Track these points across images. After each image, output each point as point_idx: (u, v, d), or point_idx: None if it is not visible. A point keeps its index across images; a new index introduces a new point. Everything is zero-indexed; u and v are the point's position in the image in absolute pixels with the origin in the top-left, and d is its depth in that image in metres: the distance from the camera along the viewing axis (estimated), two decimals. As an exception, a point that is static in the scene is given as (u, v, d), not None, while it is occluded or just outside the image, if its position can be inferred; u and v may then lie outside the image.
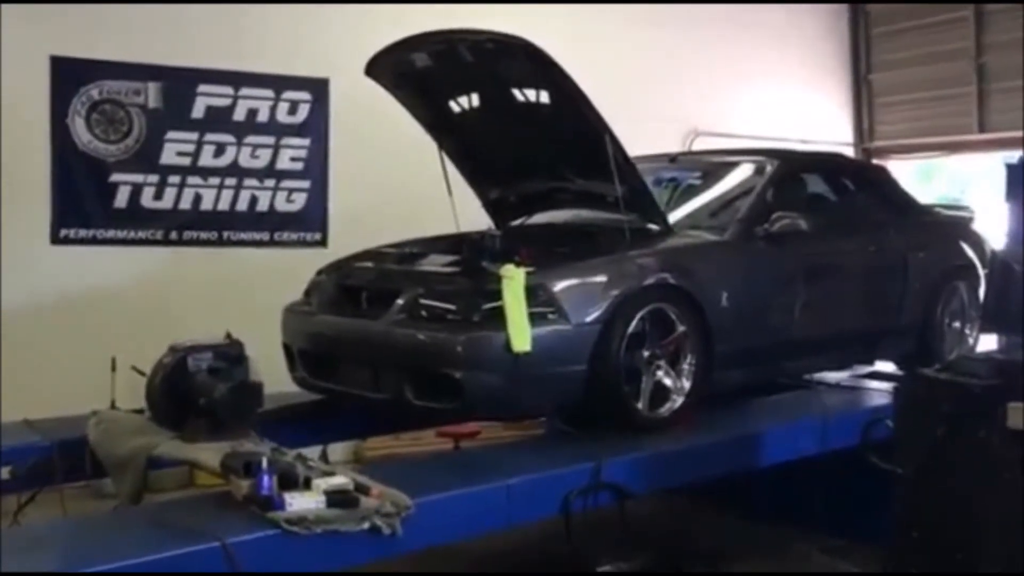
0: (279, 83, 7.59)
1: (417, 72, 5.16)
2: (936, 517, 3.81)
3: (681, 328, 4.77)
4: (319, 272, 5.29)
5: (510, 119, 5.21)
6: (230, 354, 4.19)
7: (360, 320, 4.69)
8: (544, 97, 4.92)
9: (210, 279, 7.43)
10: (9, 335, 6.70)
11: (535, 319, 4.31)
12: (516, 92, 5.02)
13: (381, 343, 4.51)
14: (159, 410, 4.06)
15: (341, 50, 7.30)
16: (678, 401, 4.77)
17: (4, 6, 6.72)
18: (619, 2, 9.03)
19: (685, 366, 4.80)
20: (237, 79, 7.46)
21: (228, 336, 4.30)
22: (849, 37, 10.78)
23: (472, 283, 4.50)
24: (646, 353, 4.67)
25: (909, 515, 3.93)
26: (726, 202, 5.59)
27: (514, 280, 4.33)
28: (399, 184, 7.81)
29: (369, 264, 5.10)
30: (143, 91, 7.20)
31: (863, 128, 10.75)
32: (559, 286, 4.44)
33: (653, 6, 9.28)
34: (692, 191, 5.73)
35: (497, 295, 4.30)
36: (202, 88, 7.36)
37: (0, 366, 6.48)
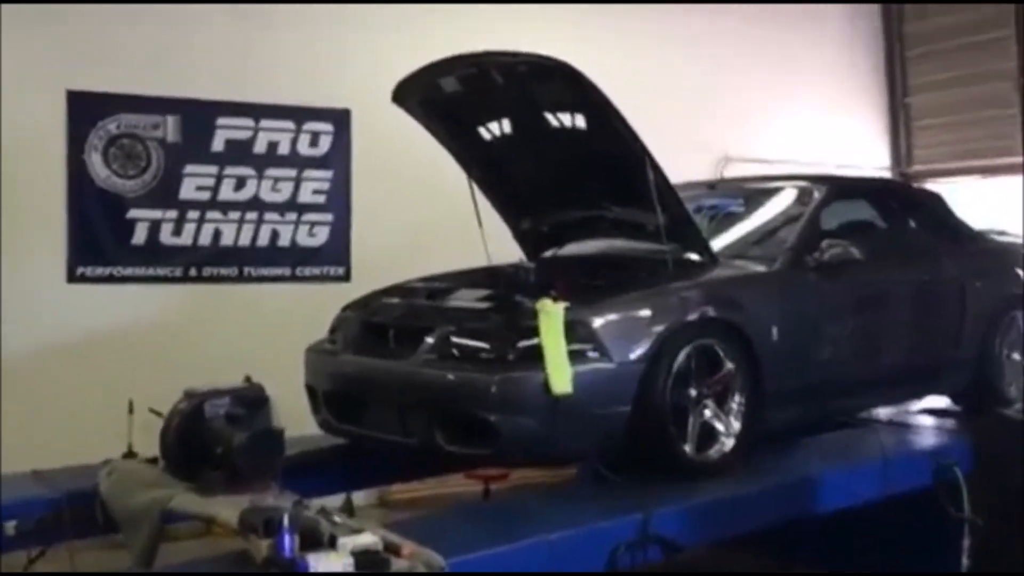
0: (300, 114, 7.41)
1: (446, 98, 4.92)
2: (1015, 570, 3.46)
3: (729, 365, 4.47)
4: (344, 309, 5.03)
5: (543, 145, 4.97)
6: (250, 399, 3.91)
7: (387, 360, 4.41)
8: (580, 121, 4.67)
9: (231, 316, 7.23)
10: (22, 377, 6.49)
11: (574, 357, 4.03)
12: (550, 116, 4.79)
13: (409, 384, 4.23)
14: (173, 461, 3.79)
15: (363, 79, 7.15)
16: (727, 443, 4.46)
17: (18, 42, 6.56)
18: (639, 1, 8.71)
19: (734, 405, 4.50)
20: (257, 111, 7.28)
21: (248, 380, 4.03)
22: (885, 59, 10.47)
23: (506, 319, 4.22)
24: (693, 392, 4.37)
25: (982, 567, 3.58)
26: (772, 230, 5.29)
27: (551, 316, 4.06)
28: (425, 216, 7.61)
29: (396, 300, 4.83)
30: (161, 125, 7.03)
31: (900, 152, 10.41)
32: (599, 321, 4.16)
33: (682, 26, 9.03)
34: (734, 219, 5.43)
35: (533, 332, 4.02)
36: (221, 121, 7.19)
37: (2, 411, 6.24)
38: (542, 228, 5.52)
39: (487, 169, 5.34)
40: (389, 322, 4.58)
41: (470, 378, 4.06)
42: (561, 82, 4.48)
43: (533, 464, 4.41)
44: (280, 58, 7.36)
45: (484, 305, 4.48)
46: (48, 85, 6.67)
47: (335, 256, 7.55)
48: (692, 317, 4.38)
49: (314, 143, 7.50)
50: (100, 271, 6.88)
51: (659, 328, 4.25)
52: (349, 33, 7.63)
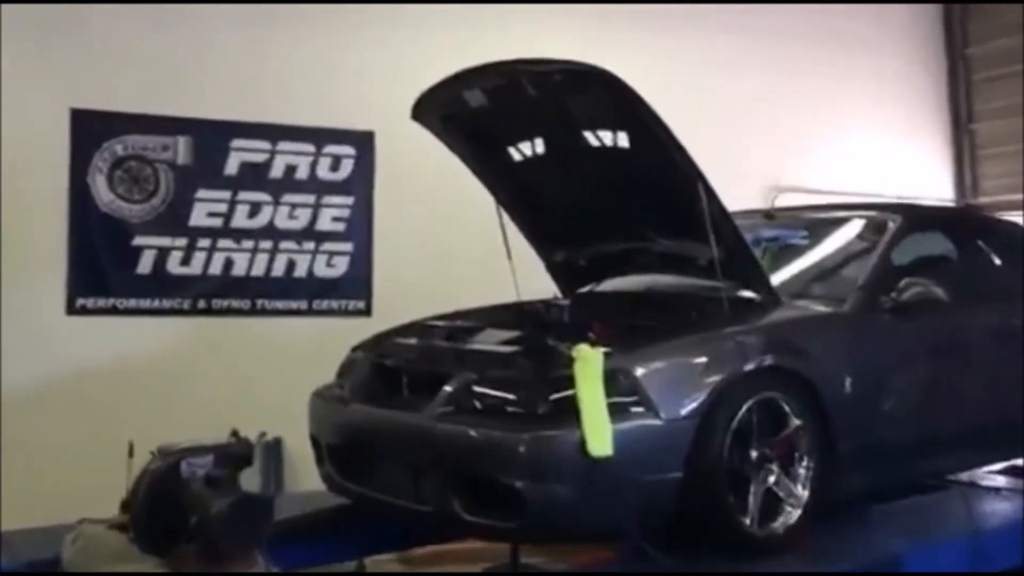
0: (320, 136, 7.01)
1: (471, 113, 4.37)
2: None
3: (796, 422, 3.83)
4: (354, 349, 4.47)
5: (581, 167, 4.40)
6: (235, 457, 3.34)
7: (399, 411, 3.83)
8: (623, 139, 4.10)
9: (242, 353, 6.83)
10: (16, 417, 6.10)
11: (616, 413, 3.43)
12: (588, 134, 4.22)
13: (423, 441, 3.64)
14: (141, 531, 3.22)
15: (387, 99, 6.57)
16: (794, 513, 3.81)
17: (20, 56, 6.23)
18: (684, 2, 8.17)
19: (801, 469, 3.85)
20: (274, 132, 6.90)
21: (235, 434, 3.46)
22: (948, 81, 9.80)
23: (536, 366, 3.62)
24: (754, 454, 3.73)
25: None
26: (839, 266, 4.66)
27: (589, 362, 3.47)
28: (453, 246, 7.18)
29: (412, 341, 4.25)
30: (171, 146, 6.67)
31: (965, 182, 9.70)
32: (645, 370, 3.55)
33: (726, 45, 8.46)
34: (796, 253, 4.79)
35: (568, 382, 3.44)
36: (236, 143, 6.82)
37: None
38: (578, 261, 4.93)
39: (517, 194, 4.78)
40: (402, 366, 4.01)
41: (493, 436, 3.47)
42: (601, 93, 3.93)
43: (566, 540, 3.78)
44: (299, 76, 6.98)
45: (511, 349, 3.87)
46: (51, 103, 6.34)
47: (355, 289, 7.15)
48: (752, 366, 3.76)
49: (335, 167, 7.09)
50: (102, 302, 6.51)
51: (715, 379, 3.64)
52: (372, 49, 7.20)
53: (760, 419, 3.74)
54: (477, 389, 3.67)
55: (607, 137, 4.19)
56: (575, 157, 4.37)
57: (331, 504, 4.28)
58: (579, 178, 4.51)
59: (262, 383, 6.57)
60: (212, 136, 6.70)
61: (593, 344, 3.53)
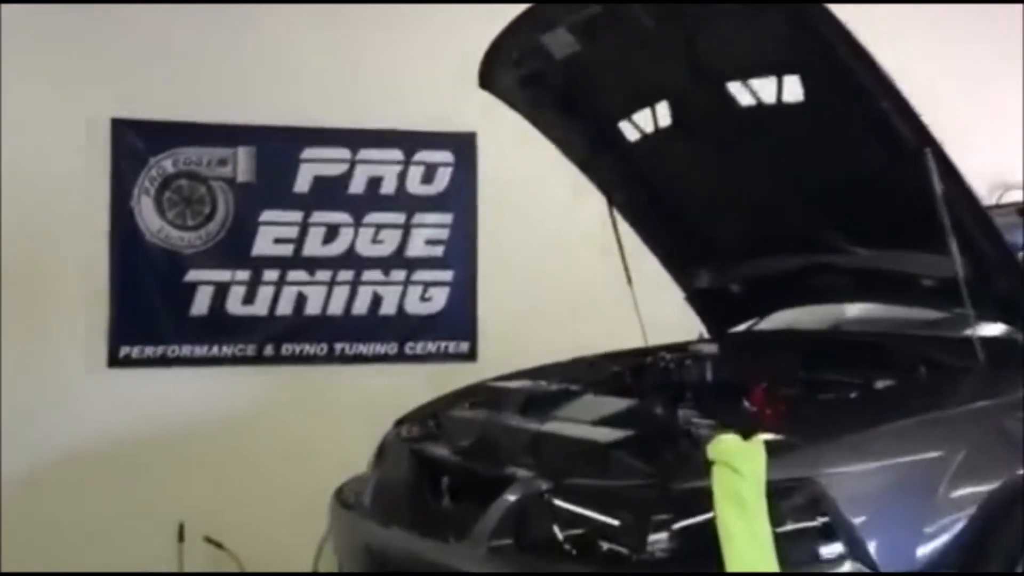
0: (410, 141, 5.80)
1: (560, 67, 2.96)
2: None
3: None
4: (397, 423, 3.14)
5: (732, 143, 2.89)
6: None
7: (431, 538, 2.40)
8: (803, 97, 2.58)
9: (317, 409, 5.67)
10: (48, 488, 5.20)
11: (793, 556, 1.90)
12: (741, 88, 2.71)
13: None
14: None
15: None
16: None
17: (50, 58, 5.40)
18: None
19: None
20: (354, 138, 5.73)
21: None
22: None
23: (647, 469, 2.12)
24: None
25: None
26: None
27: (740, 466, 1.97)
28: (581, 272, 5.79)
29: (470, 415, 2.82)
30: (230, 160, 5.62)
31: None
32: (848, 487, 2.00)
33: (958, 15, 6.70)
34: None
35: (703, 499, 1.99)
36: (308, 152, 5.68)
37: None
38: (730, 285, 3.40)
39: (637, 189, 3.33)
40: (445, 460, 2.58)
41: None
42: (774, 22, 2.45)
43: None
44: (383, 69, 5.74)
45: (608, 436, 2.36)
46: (87, 113, 5.37)
47: (457, 327, 5.90)
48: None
49: (428, 178, 5.85)
50: (150, 351, 5.50)
51: (977, 492, 2.04)
52: (473, 33, 5.87)
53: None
54: (555, 503, 2.20)
55: (769, 91, 2.68)
56: (722, 128, 2.92)
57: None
58: (728, 160, 3.02)
59: (341, 447, 5.33)
60: (278, 146, 5.62)
61: (746, 434, 2.01)
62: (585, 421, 2.51)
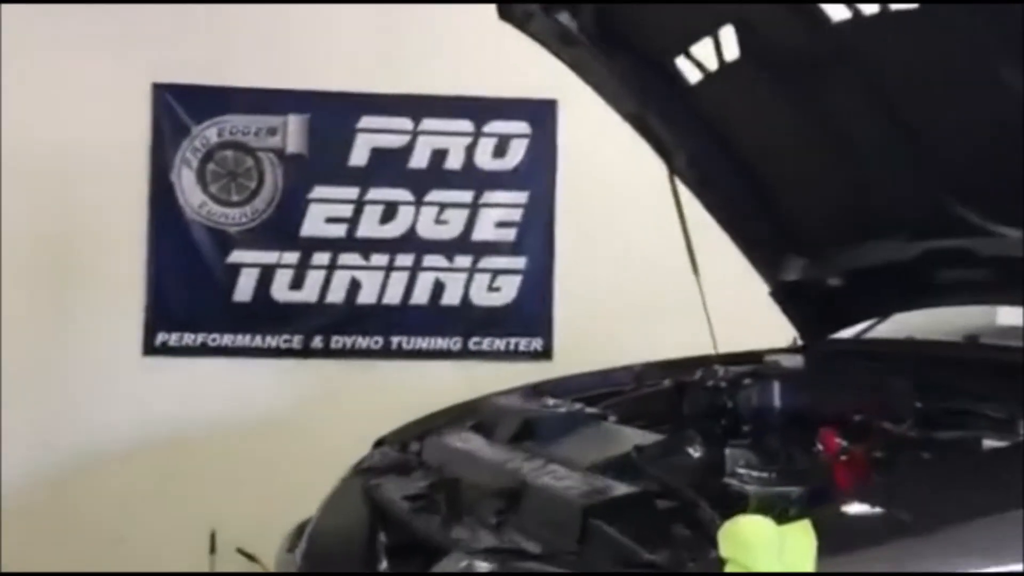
0: (480, 109, 5.32)
1: None
2: None
3: None
4: (377, 443, 2.55)
5: (824, 81, 2.12)
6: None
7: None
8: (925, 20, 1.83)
9: (369, 409, 5.10)
10: (70, 488, 4.96)
11: None
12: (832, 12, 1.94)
13: None
14: None
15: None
16: None
17: (87, 20, 5.19)
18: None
19: None
20: (417, 106, 5.28)
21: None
22: None
23: (631, 555, 1.38)
24: None
25: None
26: None
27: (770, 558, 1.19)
28: (673, 262, 5.08)
29: (448, 444, 2.14)
30: (280, 129, 5.28)
31: None
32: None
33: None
34: None
35: None
36: (365, 121, 5.25)
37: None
38: (828, 278, 2.58)
39: (702, 149, 2.56)
40: (391, 509, 1.90)
41: None
42: None
43: None
44: (449, 29, 5.26)
45: (596, 495, 1.60)
46: (126, 77, 5.09)
47: (530, 322, 5.39)
48: None
49: (500, 151, 5.34)
50: (189, 339, 5.16)
51: None
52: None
53: None
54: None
55: (881, 22, 1.89)
56: (812, 62, 2.11)
57: None
58: (822, 109, 2.22)
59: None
60: (333, 114, 5.22)
61: (801, 513, 1.24)
62: (581, 464, 1.77)
